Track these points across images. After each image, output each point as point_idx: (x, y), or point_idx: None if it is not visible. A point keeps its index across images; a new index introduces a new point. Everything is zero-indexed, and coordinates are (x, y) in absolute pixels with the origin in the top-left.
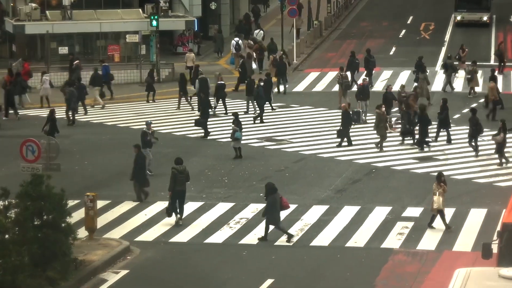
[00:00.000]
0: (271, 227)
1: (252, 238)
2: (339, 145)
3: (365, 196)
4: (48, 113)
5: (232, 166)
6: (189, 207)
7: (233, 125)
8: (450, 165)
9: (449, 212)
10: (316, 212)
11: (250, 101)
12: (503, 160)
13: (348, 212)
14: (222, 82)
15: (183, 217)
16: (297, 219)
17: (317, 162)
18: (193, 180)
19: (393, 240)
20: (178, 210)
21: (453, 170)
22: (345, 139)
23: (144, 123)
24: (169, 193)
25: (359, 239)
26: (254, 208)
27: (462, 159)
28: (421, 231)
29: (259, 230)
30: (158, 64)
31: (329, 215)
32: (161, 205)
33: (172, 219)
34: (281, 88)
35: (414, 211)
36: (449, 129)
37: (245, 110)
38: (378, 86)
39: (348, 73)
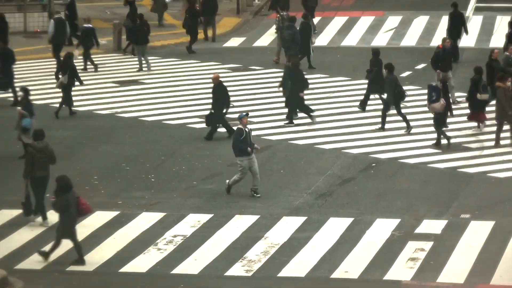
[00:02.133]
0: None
1: (192, 264)
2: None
3: (361, 203)
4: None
5: (162, 158)
6: (97, 218)
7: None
8: (486, 157)
9: (485, 227)
10: (287, 226)
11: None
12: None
13: (335, 227)
14: (90, 25)
15: (47, 218)
16: (259, 237)
17: (290, 152)
18: (103, 178)
19: (402, 269)
20: (37, 207)
21: (492, 165)
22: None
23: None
24: (25, 181)
25: (351, 267)
26: (194, 221)
27: (507, 149)
28: (444, 255)
29: (203, 253)
30: (51, 5)
31: (307, 231)
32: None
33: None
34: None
35: (433, 226)
36: None
37: (138, 67)
38: (382, 39)
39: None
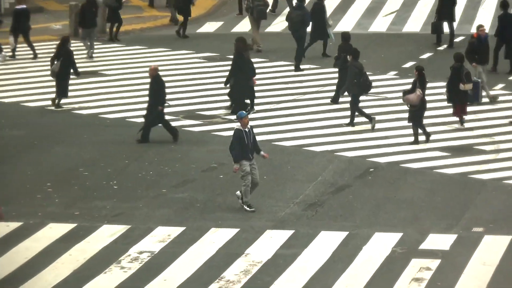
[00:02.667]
0: None
1: (161, 285)
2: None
3: (357, 214)
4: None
5: (126, 161)
6: (51, 231)
7: None
8: (502, 161)
9: (501, 242)
10: (271, 242)
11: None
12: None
13: (326, 243)
14: (23, 6)
15: None
16: (239, 253)
17: (274, 155)
18: (57, 185)
19: None
20: None
21: (509, 170)
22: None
23: None
24: None
25: None
26: (163, 235)
27: None
28: (453, 274)
29: (173, 273)
30: None
31: (294, 247)
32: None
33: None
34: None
35: (440, 241)
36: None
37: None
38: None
39: None
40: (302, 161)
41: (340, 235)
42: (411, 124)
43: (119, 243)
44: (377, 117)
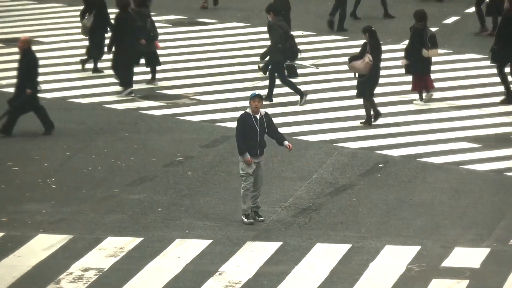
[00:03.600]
0: None
1: None
2: None
3: (362, 222)
4: None
5: (67, 153)
6: None
7: None
8: None
9: None
10: (253, 257)
11: None
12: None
13: (324, 258)
14: None
15: None
16: (211, 271)
17: None
18: None
19: None
20: None
21: None
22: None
23: None
24: None
25: None
26: (115, 248)
27: None
28: None
29: None
30: None
31: (282, 263)
32: None
33: None
34: None
35: (468, 256)
36: None
37: None
38: None
39: None
40: (292, 154)
41: (341, 249)
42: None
43: (59, 258)
44: (387, 98)
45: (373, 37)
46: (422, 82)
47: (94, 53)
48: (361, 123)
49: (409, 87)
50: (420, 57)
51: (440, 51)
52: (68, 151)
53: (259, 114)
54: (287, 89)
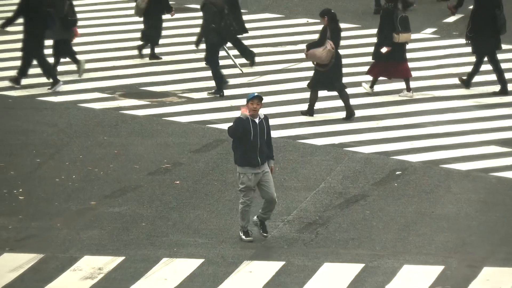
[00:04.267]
0: None
1: None
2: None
3: (377, 238)
4: None
5: (37, 160)
6: None
7: None
8: None
9: None
10: (251, 279)
11: None
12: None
13: (333, 279)
14: None
15: None
16: None
17: None
18: None
19: None
20: None
21: None
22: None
23: None
24: None
25: None
26: (93, 268)
27: None
28: None
29: None
30: None
31: (286, 285)
32: None
33: None
34: None
35: (499, 278)
36: None
37: None
38: None
39: None
40: (296, 160)
41: (353, 269)
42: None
43: (27, 280)
44: (402, 95)
45: (333, 20)
46: (385, 71)
47: (150, 36)
48: (301, 112)
49: (427, 83)
50: (391, 42)
51: (463, 41)
52: (38, 158)
53: (258, 118)
54: (289, 85)
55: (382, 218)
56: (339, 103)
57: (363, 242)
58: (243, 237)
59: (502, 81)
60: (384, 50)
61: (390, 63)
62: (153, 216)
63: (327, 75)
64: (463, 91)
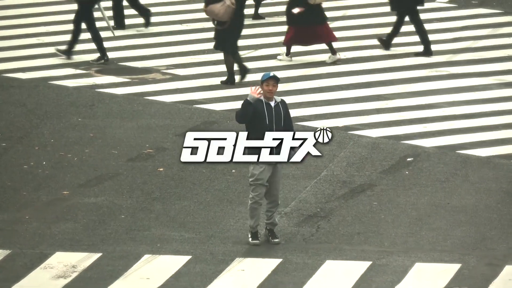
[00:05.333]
0: None
1: None
2: None
3: (385, 232)
4: None
5: (3, 144)
6: None
7: None
8: None
9: None
10: (245, 277)
11: None
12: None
13: (336, 278)
14: None
15: None
16: None
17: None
18: None
19: None
20: None
21: None
22: None
23: None
24: None
25: None
26: (66, 266)
27: None
28: None
29: None
30: None
31: (284, 285)
32: None
33: None
34: None
35: None
36: None
37: None
38: None
39: None
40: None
41: (359, 267)
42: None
43: None
44: (415, 73)
45: None
46: (306, 35)
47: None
48: (221, 82)
49: (443, 58)
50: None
51: (488, 11)
52: (3, 142)
53: (273, 101)
54: (293, 61)
55: (391, 211)
56: (343, 80)
57: (370, 237)
58: (250, 239)
59: (425, 41)
60: (295, 10)
61: (310, 28)
62: (133, 208)
63: (227, 33)
64: (482, 67)
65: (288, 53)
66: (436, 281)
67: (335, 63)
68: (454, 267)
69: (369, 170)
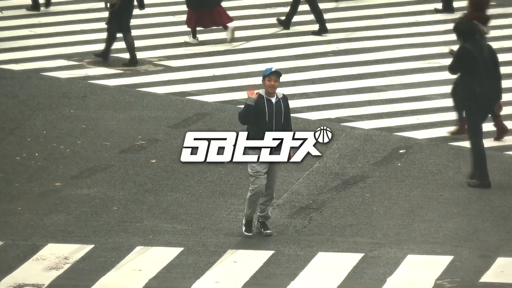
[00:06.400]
0: None
1: None
2: None
3: (377, 224)
4: None
5: None
6: None
7: None
8: None
9: None
10: (236, 269)
11: None
12: None
13: (328, 271)
14: None
15: None
16: None
17: (241, 127)
18: None
19: None
20: None
21: None
22: None
23: None
24: None
25: None
26: (58, 258)
27: None
28: None
29: None
30: None
31: (275, 277)
32: None
33: None
34: None
35: None
36: None
37: None
38: None
39: None
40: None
41: (351, 259)
42: None
43: None
44: (408, 64)
45: None
46: (205, 18)
47: None
48: (123, 64)
49: (434, 50)
50: None
51: None
52: None
53: (275, 97)
54: (279, 52)
55: (383, 202)
56: (335, 72)
57: (362, 229)
58: (244, 228)
59: (321, 21)
60: None
61: (207, 11)
62: (125, 199)
63: (122, 15)
64: None
65: (194, 36)
66: (428, 273)
67: (233, 38)
68: (446, 259)
69: (361, 162)
